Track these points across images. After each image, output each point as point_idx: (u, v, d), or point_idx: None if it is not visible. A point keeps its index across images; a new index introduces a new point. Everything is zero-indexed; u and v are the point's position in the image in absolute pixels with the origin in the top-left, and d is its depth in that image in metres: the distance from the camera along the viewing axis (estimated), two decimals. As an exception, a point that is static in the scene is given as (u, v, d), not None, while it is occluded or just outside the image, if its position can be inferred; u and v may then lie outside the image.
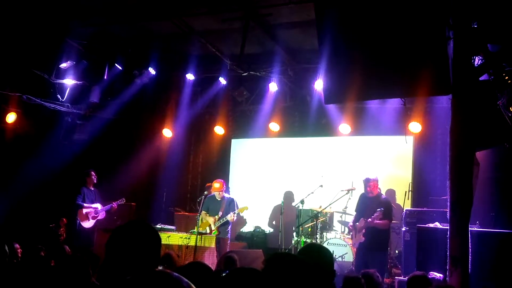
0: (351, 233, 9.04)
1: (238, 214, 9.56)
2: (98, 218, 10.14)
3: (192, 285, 1.62)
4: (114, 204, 10.18)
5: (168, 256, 6.50)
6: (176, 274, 1.63)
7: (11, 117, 10.33)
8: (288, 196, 11.44)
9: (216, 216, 9.47)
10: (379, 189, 8.77)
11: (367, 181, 8.62)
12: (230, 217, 9.37)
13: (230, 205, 9.58)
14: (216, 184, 9.68)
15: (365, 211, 8.52)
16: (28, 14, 8.68)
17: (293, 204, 11.16)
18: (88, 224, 10.01)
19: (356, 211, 8.95)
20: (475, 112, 5.62)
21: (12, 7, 8.40)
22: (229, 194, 10.04)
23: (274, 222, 11.51)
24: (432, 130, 9.99)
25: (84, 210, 9.98)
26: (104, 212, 10.20)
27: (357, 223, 8.61)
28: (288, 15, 8.53)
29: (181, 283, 1.59)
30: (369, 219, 8.26)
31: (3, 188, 10.18)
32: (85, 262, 3.71)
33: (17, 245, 6.58)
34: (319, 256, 3.02)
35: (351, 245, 9.05)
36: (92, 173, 10.28)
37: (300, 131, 11.74)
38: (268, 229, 11.54)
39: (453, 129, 5.60)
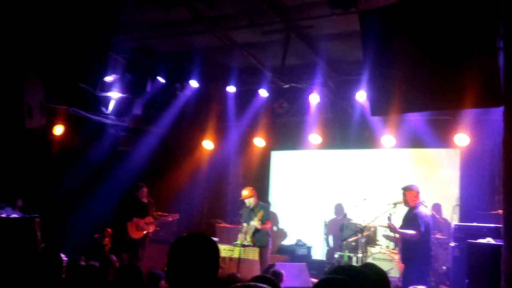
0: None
1: (263, 220, 9.18)
2: (149, 230, 10.33)
3: None
4: (170, 218, 10.38)
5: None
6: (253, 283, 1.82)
7: (58, 129, 10.57)
8: (331, 209, 11.31)
9: (250, 226, 9.25)
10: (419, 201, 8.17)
11: (403, 190, 8.24)
12: (254, 224, 9.12)
13: (263, 212, 9.28)
14: (245, 192, 9.57)
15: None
16: (74, 30, 8.90)
17: (336, 217, 11.02)
18: (137, 235, 10.21)
19: None
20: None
21: (58, 23, 8.63)
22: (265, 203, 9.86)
23: (316, 236, 11.34)
24: (479, 142, 9.69)
25: (135, 222, 10.17)
26: (154, 225, 10.39)
27: None
28: (330, 27, 8.48)
29: None
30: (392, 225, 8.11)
31: (51, 199, 10.41)
32: (139, 271, 3.75)
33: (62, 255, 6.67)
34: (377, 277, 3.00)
35: (397, 260, 8.83)
36: (145, 188, 10.53)
37: (341, 143, 11.56)
38: (310, 242, 11.40)
39: (506, 142, 5.42)
